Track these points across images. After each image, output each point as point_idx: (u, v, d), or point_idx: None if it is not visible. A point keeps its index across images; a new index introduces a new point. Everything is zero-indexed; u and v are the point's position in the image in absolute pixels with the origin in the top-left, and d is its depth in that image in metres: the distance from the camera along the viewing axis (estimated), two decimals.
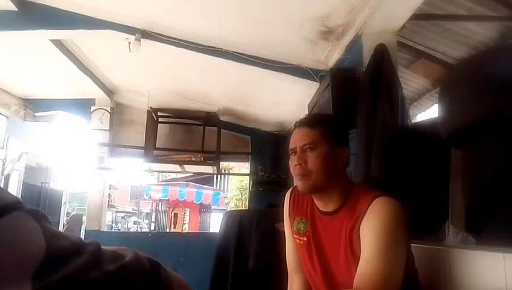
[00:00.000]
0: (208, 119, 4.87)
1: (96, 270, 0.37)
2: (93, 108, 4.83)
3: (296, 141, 1.29)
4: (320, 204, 1.33)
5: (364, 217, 1.17)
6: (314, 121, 1.33)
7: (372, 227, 1.15)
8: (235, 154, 5.29)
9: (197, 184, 13.14)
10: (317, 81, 3.06)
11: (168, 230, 12.51)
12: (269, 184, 4.91)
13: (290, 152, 1.31)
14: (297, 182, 1.29)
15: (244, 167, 5.71)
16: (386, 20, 2.32)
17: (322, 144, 1.25)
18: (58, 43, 3.41)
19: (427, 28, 3.19)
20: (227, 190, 16.52)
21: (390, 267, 1.11)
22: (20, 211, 0.35)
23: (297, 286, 1.45)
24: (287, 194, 1.48)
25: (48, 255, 0.34)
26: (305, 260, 1.37)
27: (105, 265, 0.38)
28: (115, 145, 4.90)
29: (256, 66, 3.17)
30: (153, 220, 14.51)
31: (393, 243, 1.13)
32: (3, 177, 4.66)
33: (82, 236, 4.73)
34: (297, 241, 1.39)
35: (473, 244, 1.44)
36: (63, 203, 10.15)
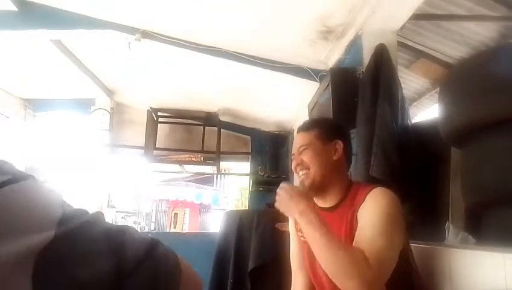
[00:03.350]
0: (208, 119, 4.87)
1: (99, 226, 0.44)
2: (93, 108, 4.82)
3: (295, 145, 1.41)
4: (319, 201, 1.37)
5: (363, 204, 1.23)
6: (309, 125, 1.45)
7: (369, 210, 1.20)
8: (235, 154, 5.29)
9: (197, 184, 13.13)
10: (317, 81, 3.06)
11: (168, 230, 12.49)
12: (269, 184, 4.91)
13: (292, 157, 1.42)
14: (300, 179, 1.37)
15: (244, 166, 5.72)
16: (386, 20, 2.32)
17: (315, 143, 1.36)
18: (58, 43, 3.41)
19: (427, 28, 3.19)
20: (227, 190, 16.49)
21: (385, 243, 1.12)
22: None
23: (300, 283, 1.48)
24: None
25: (65, 209, 0.43)
26: (309, 256, 1.40)
27: (106, 224, 0.45)
28: (115, 145, 4.89)
29: (256, 66, 3.16)
30: (153, 220, 14.48)
31: (389, 225, 1.16)
32: None
33: None
34: (301, 238, 1.43)
35: (473, 245, 1.44)
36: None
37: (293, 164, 1.40)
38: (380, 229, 1.14)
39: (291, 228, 1.53)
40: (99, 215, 0.45)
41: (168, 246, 0.50)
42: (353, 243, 1.16)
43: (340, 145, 1.37)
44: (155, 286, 0.42)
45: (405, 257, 1.27)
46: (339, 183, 1.34)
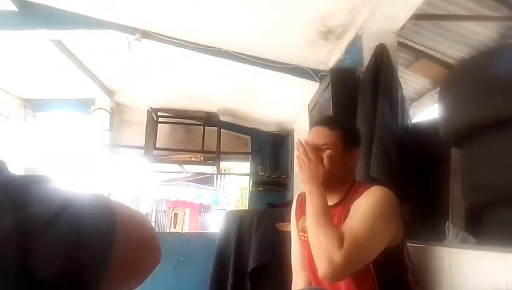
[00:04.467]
0: (208, 119, 4.86)
1: None
2: (93, 108, 4.82)
3: (315, 138, 1.40)
4: None
5: (358, 198, 1.28)
6: (333, 123, 1.45)
7: (359, 202, 1.26)
8: (235, 154, 5.29)
9: (197, 184, 13.13)
10: (317, 81, 3.06)
11: (168, 230, 12.48)
12: (269, 184, 4.92)
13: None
14: None
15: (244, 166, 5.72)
16: (386, 20, 2.32)
17: (338, 146, 1.37)
18: (58, 43, 3.41)
19: (427, 28, 3.18)
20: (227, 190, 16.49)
21: (365, 234, 1.16)
22: None
23: (301, 283, 1.50)
24: (295, 197, 1.61)
25: None
26: (309, 256, 1.41)
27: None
28: (115, 145, 4.89)
29: (256, 66, 3.16)
30: (153, 220, 14.47)
31: (374, 218, 1.20)
32: None
33: None
34: (302, 237, 1.47)
35: (473, 244, 1.44)
36: None
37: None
38: (363, 220, 1.19)
39: (292, 229, 1.55)
40: None
41: (105, 197, 0.42)
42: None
43: (358, 154, 1.45)
44: (73, 242, 0.35)
45: (399, 255, 1.31)
46: (344, 185, 1.39)
